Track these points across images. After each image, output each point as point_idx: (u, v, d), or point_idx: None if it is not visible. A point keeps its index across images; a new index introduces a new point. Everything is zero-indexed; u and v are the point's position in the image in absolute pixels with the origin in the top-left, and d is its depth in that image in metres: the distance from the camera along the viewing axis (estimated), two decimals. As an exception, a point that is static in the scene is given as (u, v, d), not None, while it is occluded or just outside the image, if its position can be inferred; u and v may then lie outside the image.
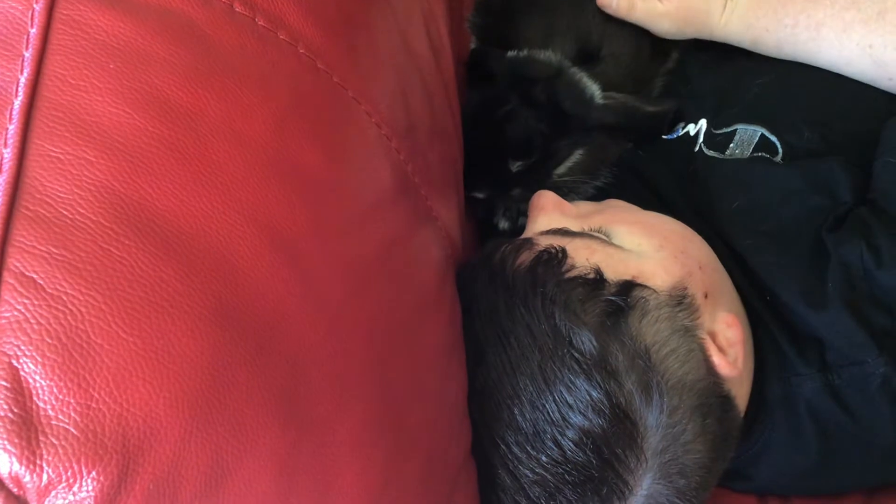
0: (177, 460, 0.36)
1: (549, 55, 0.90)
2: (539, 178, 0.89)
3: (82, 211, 0.36)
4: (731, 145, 0.86)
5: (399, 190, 0.55)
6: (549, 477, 0.63)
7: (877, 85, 0.83)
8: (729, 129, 0.87)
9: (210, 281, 0.39)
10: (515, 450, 0.64)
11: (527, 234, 0.78)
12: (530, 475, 0.64)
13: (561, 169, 0.90)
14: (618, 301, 0.66)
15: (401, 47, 0.60)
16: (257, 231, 0.41)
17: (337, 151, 0.48)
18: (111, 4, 0.41)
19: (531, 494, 0.64)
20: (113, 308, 0.35)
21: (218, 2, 0.44)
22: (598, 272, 0.67)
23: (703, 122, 0.89)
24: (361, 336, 0.47)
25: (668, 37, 0.89)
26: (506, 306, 0.67)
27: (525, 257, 0.69)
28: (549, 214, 0.79)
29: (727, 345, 0.70)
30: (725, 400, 0.70)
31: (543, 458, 0.63)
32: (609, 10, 0.88)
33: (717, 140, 0.87)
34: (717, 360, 0.68)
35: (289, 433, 0.41)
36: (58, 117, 0.38)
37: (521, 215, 0.93)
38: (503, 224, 0.94)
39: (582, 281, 0.67)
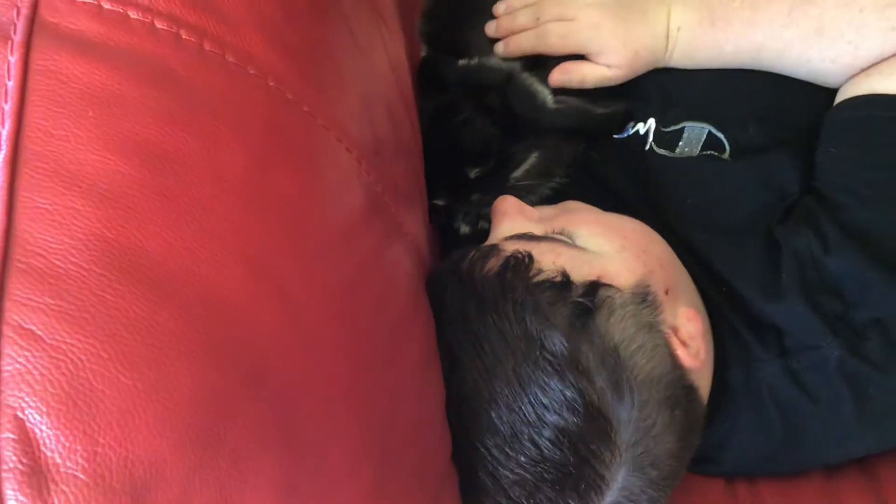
0: (183, 497, 0.37)
1: (498, 62, 0.92)
2: (497, 183, 0.90)
3: (74, 260, 0.37)
4: (681, 143, 0.89)
5: (371, 210, 0.56)
6: (528, 476, 0.65)
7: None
8: (677, 127, 0.90)
9: (201, 319, 0.40)
10: (494, 452, 0.66)
11: (491, 239, 0.80)
12: (510, 476, 0.66)
13: (517, 172, 0.92)
14: (585, 302, 0.68)
15: (363, 68, 0.61)
16: (241, 265, 0.42)
17: (311, 179, 0.49)
18: (84, 52, 0.42)
19: (511, 495, 0.66)
20: (112, 354, 0.36)
21: (188, 41, 0.45)
22: (565, 275, 0.70)
23: (651, 121, 0.91)
24: (344, 359, 0.48)
25: None
26: (477, 313, 0.68)
27: (493, 264, 0.71)
28: (513, 219, 0.81)
29: (688, 338, 0.73)
30: (690, 390, 0.73)
31: (522, 459, 0.65)
32: (564, 86, 0.91)
33: (666, 138, 0.90)
34: (680, 353, 0.71)
35: (286, 461, 0.42)
36: (42, 168, 0.38)
37: (480, 219, 0.95)
38: (464, 229, 0.96)
39: (549, 284, 0.69)
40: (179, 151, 0.42)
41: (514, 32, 0.93)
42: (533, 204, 0.89)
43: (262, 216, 0.45)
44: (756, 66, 0.86)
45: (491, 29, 0.95)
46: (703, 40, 0.87)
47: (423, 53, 1.02)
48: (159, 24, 0.45)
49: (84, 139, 0.40)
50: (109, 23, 0.43)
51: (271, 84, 0.49)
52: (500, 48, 0.94)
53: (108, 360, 0.36)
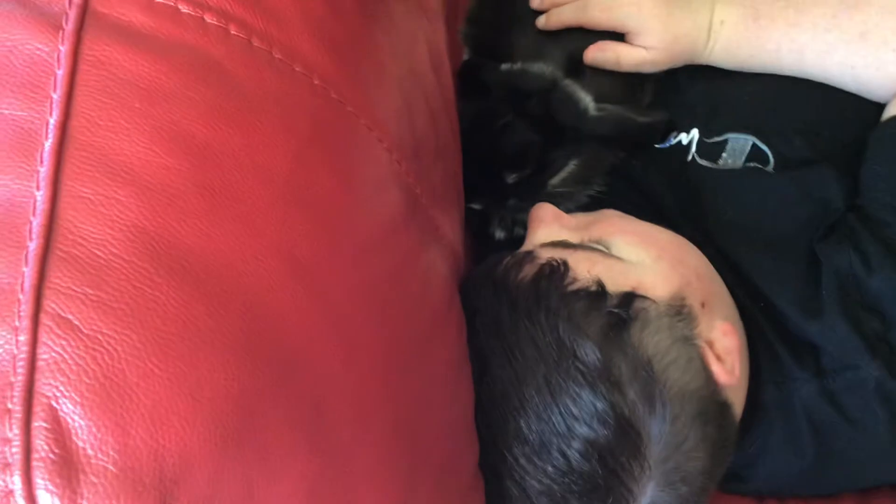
0: (211, 493, 0.37)
1: (541, 67, 0.91)
2: (534, 189, 0.90)
3: (115, 251, 0.37)
4: (724, 154, 0.88)
5: (409, 212, 0.56)
6: (555, 487, 0.65)
7: (862, 95, 0.84)
8: (720, 138, 0.89)
9: (237, 315, 0.40)
10: (522, 461, 0.66)
11: (527, 246, 0.80)
12: (537, 486, 0.65)
13: (555, 179, 0.91)
14: (620, 313, 0.67)
15: (406, 68, 0.61)
16: (280, 262, 0.42)
17: (352, 179, 0.49)
18: (134, 43, 0.42)
19: (538, 504, 0.66)
20: (147, 346, 0.36)
21: (236, 37, 0.45)
22: (600, 284, 0.69)
23: (694, 132, 0.90)
24: (378, 361, 0.48)
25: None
26: (510, 319, 0.68)
27: (528, 270, 0.71)
28: (549, 226, 0.80)
29: (724, 353, 0.72)
30: (724, 406, 0.72)
31: (550, 469, 0.65)
32: (597, 65, 0.89)
33: (709, 149, 0.89)
34: (715, 368, 0.70)
35: (314, 460, 0.42)
36: (87, 158, 0.38)
37: (516, 225, 0.94)
38: (499, 234, 0.96)
39: (584, 294, 0.68)
40: (224, 146, 0.42)
41: (556, 6, 0.92)
42: (570, 211, 0.89)
43: (304, 214, 0.45)
44: (800, 72, 0.85)
45: (536, 2, 0.94)
46: (745, 37, 0.86)
47: (465, 56, 1.02)
48: (209, 19, 0.45)
49: (130, 130, 0.40)
50: (160, 15, 0.43)
51: (316, 82, 0.49)
52: (541, 21, 0.93)
53: (143, 352, 0.36)
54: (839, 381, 0.74)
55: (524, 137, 0.87)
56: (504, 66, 0.93)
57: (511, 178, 0.89)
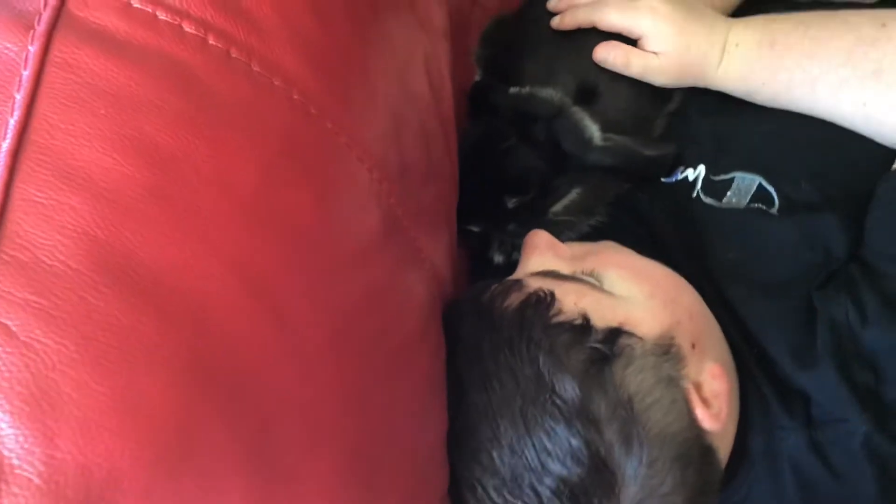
0: (140, 513, 0.36)
1: (550, 93, 0.90)
2: (535, 215, 0.89)
3: (62, 258, 0.37)
4: (729, 193, 0.86)
5: (387, 234, 0.55)
6: (525, 523, 0.63)
7: (875, 139, 0.83)
8: (727, 177, 0.87)
9: (186, 332, 0.39)
10: (492, 493, 0.65)
11: (518, 273, 0.78)
12: (506, 520, 0.64)
13: (557, 207, 0.90)
14: (603, 349, 0.66)
15: (398, 88, 0.60)
16: (237, 279, 0.42)
17: (325, 198, 0.48)
18: (106, 48, 0.41)
19: (506, 538, 0.64)
20: (85, 358, 0.36)
21: (214, 47, 0.45)
22: (586, 318, 0.67)
23: (701, 168, 0.89)
24: (337, 385, 0.47)
25: (666, 86, 0.90)
26: (490, 348, 0.67)
27: (514, 299, 0.69)
28: (543, 255, 0.79)
29: (712, 396, 0.70)
30: (707, 451, 0.70)
31: (519, 504, 0.63)
32: (605, 66, 0.88)
33: (714, 186, 0.87)
34: (699, 412, 0.68)
35: (256, 484, 0.41)
36: (44, 161, 0.38)
37: (515, 250, 0.93)
38: (497, 258, 0.94)
39: (568, 326, 0.67)
40: (189, 157, 0.42)
41: (573, 6, 0.91)
42: (571, 240, 0.88)
43: (267, 232, 0.44)
44: (811, 107, 0.83)
45: (552, 3, 0.94)
46: (759, 63, 0.84)
47: (476, 77, 1.02)
48: (187, 27, 0.44)
49: (91, 136, 0.39)
50: (136, 21, 0.43)
51: (296, 97, 0.48)
52: (555, 21, 0.92)
53: (79, 364, 0.35)
54: (828, 433, 0.72)
55: (526, 162, 0.86)
56: (513, 90, 0.92)
57: (511, 203, 0.88)
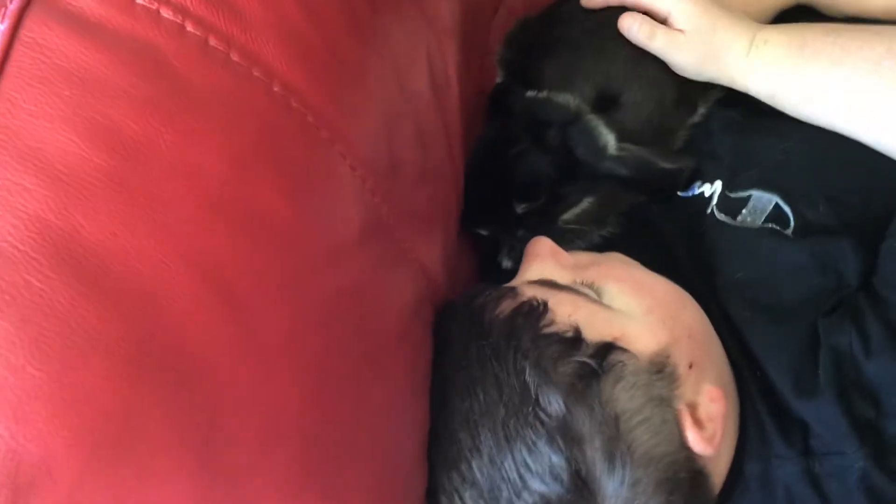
0: (70, 501, 0.36)
1: (567, 98, 0.88)
2: (544, 222, 0.87)
3: (9, 238, 0.36)
4: (744, 211, 0.84)
5: (369, 233, 0.54)
6: (499, 536, 0.62)
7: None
8: (744, 194, 0.85)
9: (132, 321, 0.38)
10: (469, 503, 0.63)
11: (515, 280, 0.77)
12: (481, 531, 0.63)
13: (568, 215, 0.88)
14: (592, 364, 0.64)
15: (394, 87, 0.59)
16: (194, 271, 0.41)
17: (300, 193, 0.48)
18: (78, 31, 0.41)
19: (480, 550, 0.63)
20: (24, 341, 0.35)
21: (192, 34, 0.44)
22: (577, 331, 0.66)
23: (718, 184, 0.86)
24: (297, 385, 0.46)
25: (687, 73, 0.87)
26: (478, 354, 0.65)
27: (506, 306, 0.68)
28: (543, 262, 0.77)
29: (707, 418, 0.68)
30: (697, 475, 0.68)
31: (497, 517, 0.62)
32: (629, 36, 0.86)
33: (730, 203, 0.85)
34: (691, 434, 0.66)
35: (202, 480, 0.40)
36: (1, 141, 0.38)
37: (524, 256, 0.91)
38: (506, 263, 0.93)
39: (558, 338, 0.65)
40: (154, 144, 0.41)
41: None
42: (580, 249, 0.86)
43: (233, 225, 0.43)
44: (831, 119, 0.81)
45: None
46: (787, 62, 0.82)
47: (498, 79, 1.00)
48: (165, 13, 0.44)
49: (52, 117, 0.39)
50: (113, 5, 0.43)
51: (276, 89, 0.47)
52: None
53: (17, 347, 0.35)
54: (825, 465, 0.69)
55: (536, 168, 0.84)
56: (529, 93, 0.90)
57: (521, 208, 0.86)
